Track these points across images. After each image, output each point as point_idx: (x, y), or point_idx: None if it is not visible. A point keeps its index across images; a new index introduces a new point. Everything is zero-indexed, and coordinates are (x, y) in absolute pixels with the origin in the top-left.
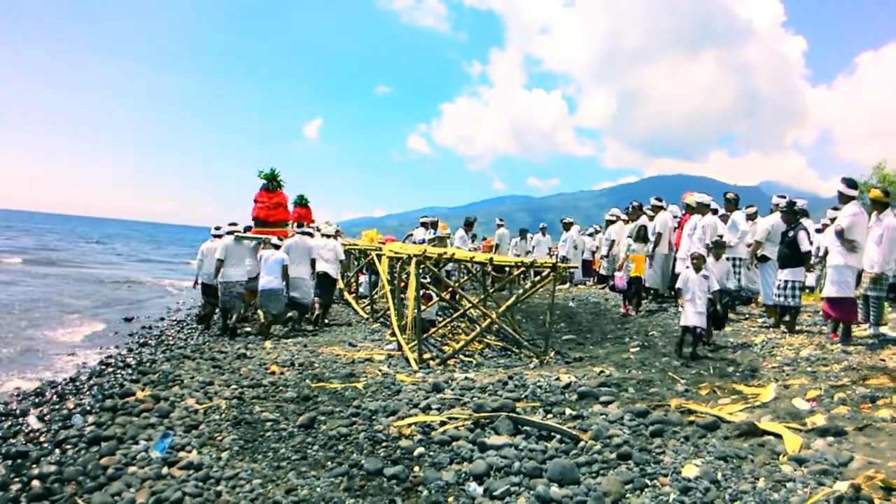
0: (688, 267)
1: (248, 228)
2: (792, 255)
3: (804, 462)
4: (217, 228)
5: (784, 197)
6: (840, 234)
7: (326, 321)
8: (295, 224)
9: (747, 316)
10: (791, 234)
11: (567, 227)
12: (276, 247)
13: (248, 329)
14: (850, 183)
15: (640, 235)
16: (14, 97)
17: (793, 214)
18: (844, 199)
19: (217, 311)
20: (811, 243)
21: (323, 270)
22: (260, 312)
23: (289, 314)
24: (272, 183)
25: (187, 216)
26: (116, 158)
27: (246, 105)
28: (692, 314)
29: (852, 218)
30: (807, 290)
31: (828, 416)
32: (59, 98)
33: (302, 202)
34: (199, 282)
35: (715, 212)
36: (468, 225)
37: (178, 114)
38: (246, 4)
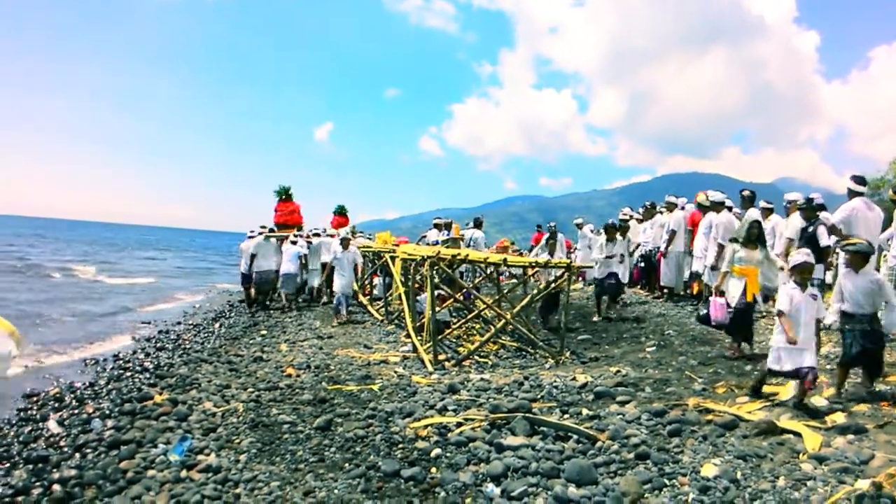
0: (786, 282)
1: (270, 230)
2: (811, 252)
3: (824, 460)
4: (251, 231)
5: (797, 197)
6: (832, 230)
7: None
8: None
9: (765, 314)
10: (810, 229)
11: (552, 233)
12: (294, 243)
13: (277, 305)
14: (858, 180)
15: (754, 236)
16: (22, 103)
17: (811, 210)
18: (851, 195)
19: (254, 292)
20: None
21: (325, 261)
22: (282, 293)
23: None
24: (286, 196)
25: (199, 221)
26: (126, 164)
27: (257, 110)
28: (799, 351)
29: (847, 213)
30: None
31: (848, 414)
32: (65, 104)
33: (341, 212)
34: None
35: (730, 209)
36: (478, 224)
37: (189, 119)
38: (255, 10)
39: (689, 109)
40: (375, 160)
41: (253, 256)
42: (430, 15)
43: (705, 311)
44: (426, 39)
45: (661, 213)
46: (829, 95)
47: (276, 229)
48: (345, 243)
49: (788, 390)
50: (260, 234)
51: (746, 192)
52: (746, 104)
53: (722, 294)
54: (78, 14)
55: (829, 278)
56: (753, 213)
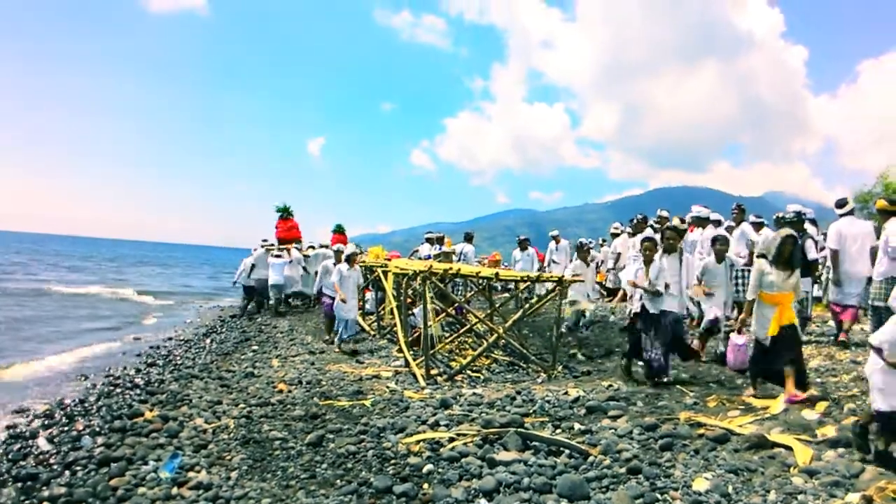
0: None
1: (271, 244)
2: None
3: (815, 474)
4: (255, 248)
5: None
6: (833, 256)
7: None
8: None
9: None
10: (798, 242)
11: (523, 245)
12: (278, 256)
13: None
14: (837, 203)
15: (787, 254)
16: (12, 113)
17: (800, 223)
18: (839, 216)
19: (253, 301)
20: (818, 251)
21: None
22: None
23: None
24: (286, 214)
25: (190, 235)
26: (118, 177)
27: (249, 123)
28: None
29: (834, 235)
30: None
31: (838, 427)
32: (54, 116)
33: (340, 230)
34: (237, 282)
35: (718, 223)
36: (468, 239)
37: (182, 132)
38: (249, 25)
39: (680, 123)
40: (367, 174)
41: (253, 267)
42: (422, 31)
43: (723, 350)
44: (418, 54)
45: (652, 227)
46: (819, 109)
47: (275, 244)
48: (351, 260)
49: (779, 404)
50: (262, 247)
51: (742, 206)
52: (737, 118)
53: (742, 331)
54: (72, 23)
55: (816, 291)
56: (747, 227)
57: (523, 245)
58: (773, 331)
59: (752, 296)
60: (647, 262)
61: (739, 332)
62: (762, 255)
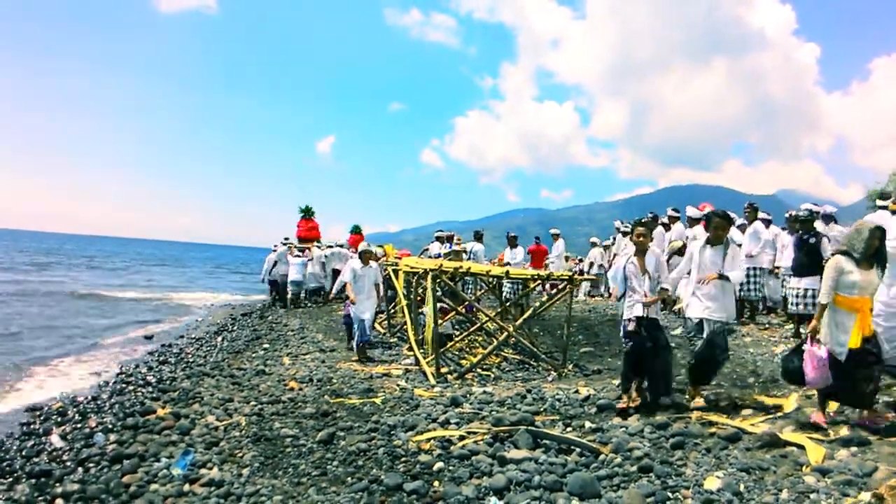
0: None
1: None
2: (811, 263)
3: (827, 473)
4: (275, 246)
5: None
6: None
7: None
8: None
9: (767, 325)
10: (812, 241)
11: (512, 242)
12: (298, 255)
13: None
14: (880, 195)
15: (873, 249)
16: (15, 113)
17: (812, 221)
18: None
19: (278, 295)
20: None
21: (336, 268)
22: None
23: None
24: (308, 214)
25: (200, 234)
26: (130, 177)
27: (258, 122)
28: None
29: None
30: None
31: (851, 426)
32: (58, 116)
33: (357, 230)
34: (266, 279)
35: (727, 222)
36: (478, 237)
37: (191, 131)
38: (257, 22)
39: (690, 121)
40: (377, 173)
41: (276, 263)
42: (430, 29)
43: (797, 364)
44: (427, 54)
45: (663, 224)
46: (830, 107)
47: (295, 242)
48: (365, 258)
49: (791, 403)
50: (283, 244)
51: (754, 204)
52: (747, 116)
53: (815, 337)
54: (79, 24)
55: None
56: (759, 226)
57: (512, 243)
58: (855, 342)
59: (826, 299)
60: (641, 252)
61: (813, 341)
62: (842, 252)
